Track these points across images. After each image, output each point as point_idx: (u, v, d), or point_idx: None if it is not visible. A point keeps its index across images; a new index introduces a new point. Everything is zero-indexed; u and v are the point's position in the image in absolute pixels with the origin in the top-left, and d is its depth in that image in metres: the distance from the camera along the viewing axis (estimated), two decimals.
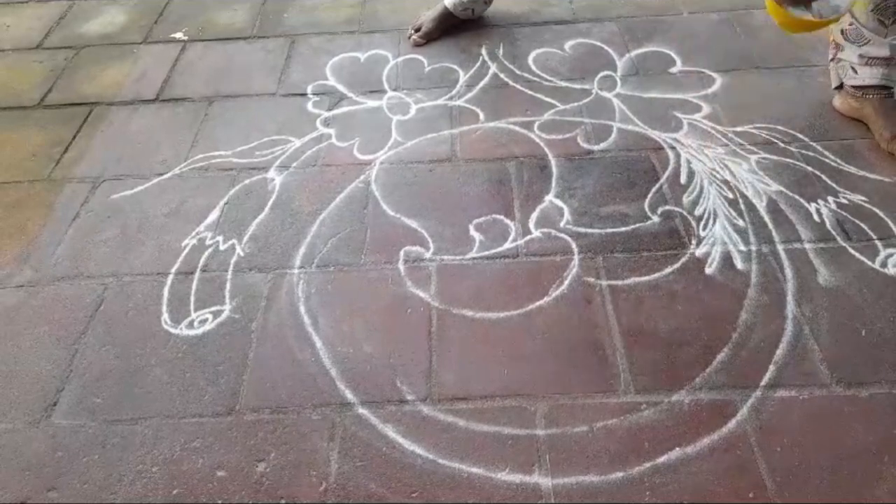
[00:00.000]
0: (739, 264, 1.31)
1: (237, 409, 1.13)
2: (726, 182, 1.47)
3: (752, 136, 1.57)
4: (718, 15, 1.99)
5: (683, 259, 1.32)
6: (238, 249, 1.40)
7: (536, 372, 1.16)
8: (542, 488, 1.01)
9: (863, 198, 1.41)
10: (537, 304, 1.26)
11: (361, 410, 1.12)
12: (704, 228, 1.38)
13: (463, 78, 1.83)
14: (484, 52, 1.92)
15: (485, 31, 2.00)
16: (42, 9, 2.25)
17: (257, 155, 1.62)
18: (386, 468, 1.04)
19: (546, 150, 1.59)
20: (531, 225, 1.41)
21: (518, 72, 1.83)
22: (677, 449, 1.04)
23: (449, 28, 1.98)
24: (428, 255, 1.37)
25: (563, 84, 1.78)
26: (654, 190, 1.47)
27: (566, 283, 1.29)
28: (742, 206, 1.42)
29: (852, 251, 1.31)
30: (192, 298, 1.31)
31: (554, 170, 1.54)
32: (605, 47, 1.90)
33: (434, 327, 1.23)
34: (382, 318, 1.26)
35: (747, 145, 1.55)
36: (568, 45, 1.92)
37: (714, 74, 1.75)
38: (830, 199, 1.42)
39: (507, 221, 1.42)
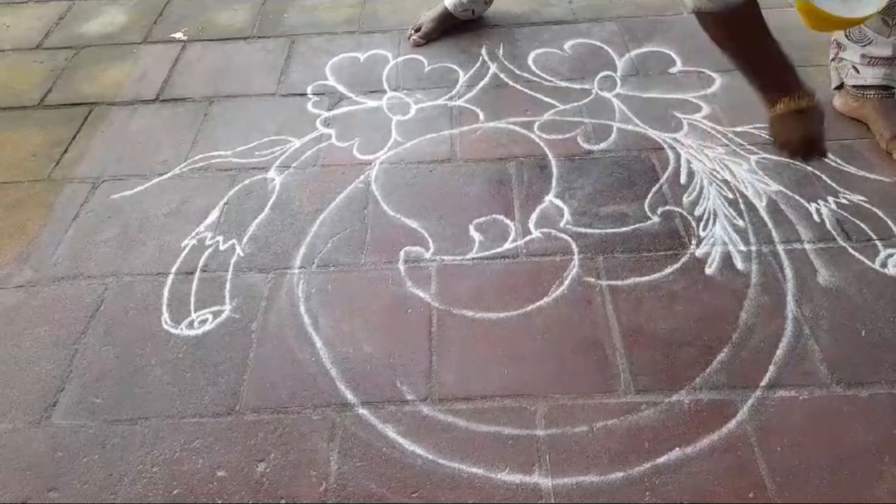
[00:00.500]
0: (739, 264, 1.31)
1: (237, 409, 1.13)
2: (726, 182, 1.47)
3: (752, 136, 1.57)
4: None
5: (683, 259, 1.32)
6: (238, 249, 1.40)
7: (536, 372, 1.16)
8: (542, 488, 1.01)
9: (863, 198, 1.41)
10: (537, 304, 1.26)
11: (361, 411, 1.12)
12: (704, 228, 1.38)
13: (463, 78, 1.83)
14: (484, 52, 1.92)
15: (485, 31, 2.00)
16: (42, 9, 2.25)
17: (257, 155, 1.62)
18: (386, 468, 1.04)
19: (546, 150, 1.59)
20: (531, 225, 1.41)
21: (518, 72, 1.83)
22: (677, 449, 1.04)
23: (449, 28, 1.98)
24: (428, 255, 1.37)
25: (563, 84, 1.78)
26: (654, 190, 1.47)
27: (566, 283, 1.29)
28: (742, 206, 1.42)
29: (852, 251, 1.31)
30: (193, 298, 1.31)
31: (554, 170, 1.54)
32: (605, 47, 1.90)
33: (434, 327, 1.23)
34: (382, 318, 1.26)
35: (747, 145, 1.55)
36: (568, 45, 1.92)
37: (714, 74, 1.75)
38: (830, 199, 1.42)
39: (507, 221, 1.42)
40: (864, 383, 1.11)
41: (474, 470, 1.04)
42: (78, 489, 1.04)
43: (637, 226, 1.40)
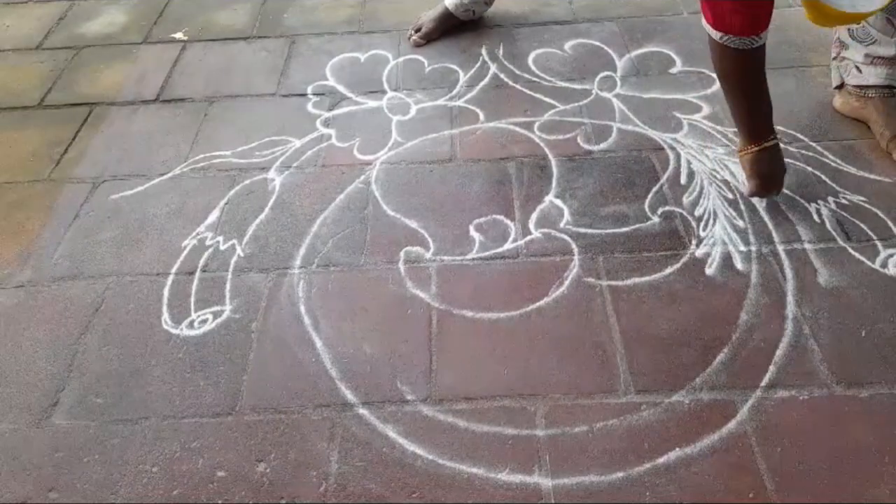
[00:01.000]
0: (739, 265, 1.31)
1: (237, 409, 1.13)
2: (726, 182, 1.47)
3: None
4: None
5: (684, 259, 1.32)
6: (238, 250, 1.40)
7: (536, 372, 1.16)
8: (543, 489, 1.01)
9: (863, 198, 1.41)
10: (537, 304, 1.26)
11: (362, 411, 1.12)
12: (704, 229, 1.38)
13: (463, 78, 1.83)
14: (484, 52, 1.92)
15: (485, 31, 2.01)
16: (42, 9, 2.25)
17: (257, 155, 1.63)
18: (386, 468, 1.04)
19: (546, 150, 1.59)
20: (531, 225, 1.41)
21: (518, 72, 1.83)
22: (677, 449, 1.04)
23: (449, 28, 1.98)
24: (428, 255, 1.37)
25: (563, 84, 1.78)
26: (654, 190, 1.47)
27: (566, 283, 1.29)
28: (742, 207, 1.42)
29: (852, 251, 1.31)
30: (193, 299, 1.31)
31: (554, 170, 1.54)
32: (605, 47, 1.90)
33: (434, 328, 1.23)
34: (382, 318, 1.26)
35: None
36: (568, 45, 1.92)
37: (714, 74, 1.75)
38: (830, 199, 1.42)
39: (507, 222, 1.42)
40: (864, 383, 1.11)
41: (474, 470, 1.04)
42: (78, 489, 1.04)
43: (637, 226, 1.40)
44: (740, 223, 1.38)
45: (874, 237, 1.34)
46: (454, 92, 1.78)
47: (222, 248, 1.41)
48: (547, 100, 1.73)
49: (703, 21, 1.28)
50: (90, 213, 1.51)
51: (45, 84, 1.91)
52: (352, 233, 1.42)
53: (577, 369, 1.16)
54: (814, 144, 1.55)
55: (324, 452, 1.07)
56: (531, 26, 2.01)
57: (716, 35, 1.26)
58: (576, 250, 1.35)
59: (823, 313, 1.21)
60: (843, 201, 1.41)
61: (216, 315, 1.28)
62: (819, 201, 1.42)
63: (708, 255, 1.33)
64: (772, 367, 1.14)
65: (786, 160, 1.40)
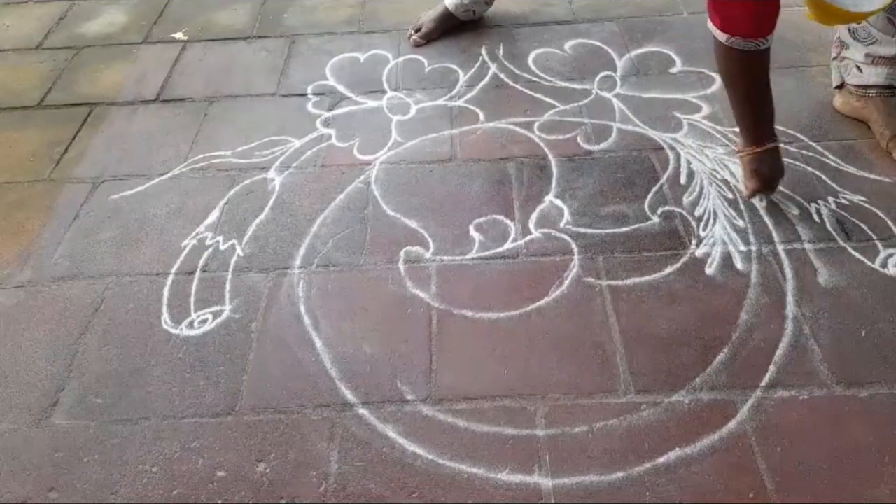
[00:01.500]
0: (739, 264, 1.31)
1: (237, 409, 1.13)
2: (726, 182, 1.47)
3: None
4: None
5: (683, 259, 1.32)
6: (238, 249, 1.40)
7: (536, 372, 1.16)
8: (543, 488, 1.01)
9: (863, 198, 1.41)
10: (537, 304, 1.26)
11: (362, 411, 1.12)
12: (704, 229, 1.38)
13: (463, 78, 1.83)
14: (484, 52, 1.92)
15: (485, 31, 2.00)
16: (42, 9, 2.25)
17: (257, 155, 1.63)
18: (386, 468, 1.04)
19: (546, 150, 1.59)
20: (531, 225, 1.41)
21: (518, 72, 1.83)
22: (677, 449, 1.04)
23: (449, 28, 1.98)
24: (428, 255, 1.37)
25: (563, 84, 1.78)
26: (654, 190, 1.47)
27: (566, 283, 1.29)
28: (742, 206, 1.42)
29: (852, 251, 1.31)
30: (193, 299, 1.31)
31: (554, 170, 1.54)
32: (605, 47, 1.90)
33: (434, 327, 1.23)
34: (383, 318, 1.26)
35: None
36: (568, 45, 1.92)
37: (714, 74, 1.75)
38: (830, 199, 1.42)
39: (507, 222, 1.42)
40: (864, 383, 1.11)
41: (474, 470, 1.04)
42: (78, 489, 1.04)
43: (637, 226, 1.40)
44: (740, 223, 1.38)
45: (874, 237, 1.34)
46: (454, 92, 1.78)
47: (222, 248, 1.41)
48: (547, 100, 1.73)
49: (710, 24, 1.28)
50: (90, 213, 1.51)
51: (45, 84, 1.91)
52: (352, 233, 1.42)
53: (577, 369, 1.16)
54: (814, 144, 1.55)
55: (324, 452, 1.07)
56: (531, 26, 2.01)
57: (722, 38, 1.26)
58: (576, 250, 1.35)
59: (823, 313, 1.21)
60: (844, 201, 1.41)
61: (216, 315, 1.28)
62: (819, 201, 1.42)
63: (708, 254, 1.33)
64: (772, 367, 1.14)
65: (786, 160, 1.40)
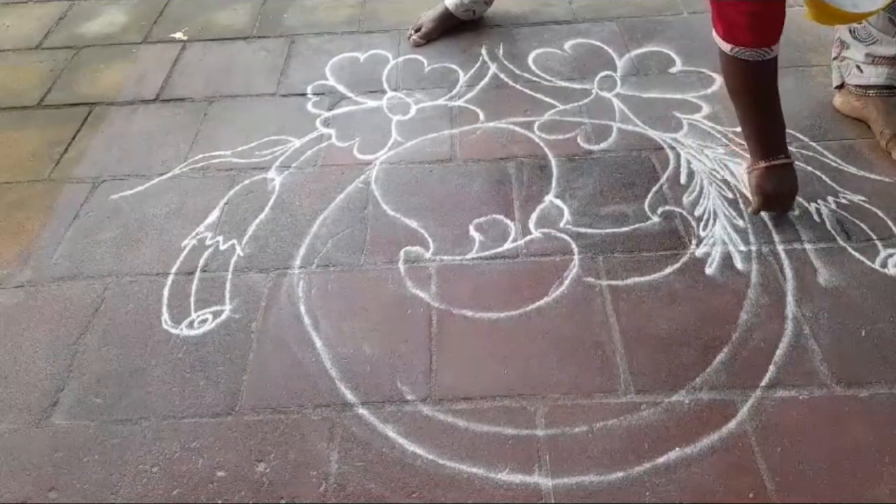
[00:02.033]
0: (739, 264, 1.31)
1: (237, 409, 1.13)
2: (726, 182, 1.47)
3: None
4: None
5: (683, 259, 1.32)
6: (238, 249, 1.40)
7: (536, 372, 1.16)
8: (543, 488, 1.01)
9: (863, 198, 1.41)
10: (537, 304, 1.26)
11: (362, 411, 1.12)
12: (704, 228, 1.38)
13: (463, 78, 1.83)
14: (484, 52, 1.92)
15: (485, 31, 2.00)
16: (42, 9, 2.25)
17: (257, 155, 1.62)
18: (386, 468, 1.04)
19: (546, 150, 1.59)
20: (531, 225, 1.41)
21: (518, 72, 1.83)
22: (677, 449, 1.04)
23: (449, 28, 1.98)
24: (428, 255, 1.37)
25: (563, 84, 1.78)
26: (654, 190, 1.47)
27: (566, 283, 1.29)
28: (742, 206, 1.42)
29: (852, 251, 1.31)
30: (193, 299, 1.31)
31: (554, 170, 1.54)
32: (605, 47, 1.90)
33: (434, 327, 1.23)
34: (383, 318, 1.26)
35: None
36: (568, 45, 1.92)
37: (714, 74, 1.75)
38: (830, 199, 1.42)
39: (507, 221, 1.42)
40: (864, 383, 1.11)
41: (474, 470, 1.04)
42: (78, 489, 1.05)
43: (637, 226, 1.40)
44: (740, 223, 1.38)
45: (874, 237, 1.34)
46: (454, 92, 1.78)
47: (222, 247, 1.41)
48: (547, 99, 1.73)
49: (714, 34, 1.27)
50: (90, 213, 1.51)
51: (44, 84, 1.91)
52: (351, 233, 1.42)
53: (577, 369, 1.16)
54: (814, 144, 1.55)
55: (324, 452, 1.07)
56: (531, 26, 2.01)
57: (726, 48, 1.25)
58: (576, 250, 1.35)
59: (823, 313, 1.21)
60: (844, 201, 1.41)
61: (216, 315, 1.28)
62: (819, 201, 1.41)
63: (708, 254, 1.33)
64: (772, 367, 1.14)
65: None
